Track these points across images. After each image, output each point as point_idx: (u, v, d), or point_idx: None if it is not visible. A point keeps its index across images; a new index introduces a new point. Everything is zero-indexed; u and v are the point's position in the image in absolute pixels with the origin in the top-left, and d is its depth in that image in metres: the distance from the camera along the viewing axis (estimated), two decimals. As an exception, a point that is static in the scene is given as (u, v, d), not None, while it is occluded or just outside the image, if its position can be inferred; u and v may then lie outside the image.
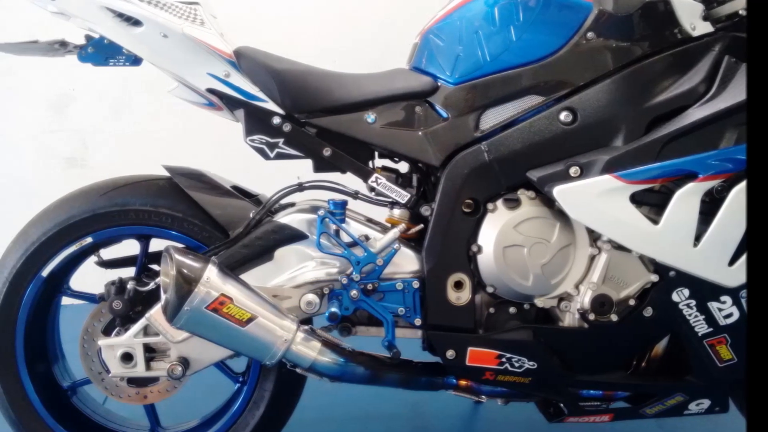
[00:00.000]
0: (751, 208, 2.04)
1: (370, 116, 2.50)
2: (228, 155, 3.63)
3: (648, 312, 2.44)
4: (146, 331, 2.52)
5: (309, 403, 2.94)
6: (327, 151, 2.52)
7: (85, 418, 2.84)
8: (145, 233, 2.67)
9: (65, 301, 2.82)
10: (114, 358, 2.53)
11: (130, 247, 2.74)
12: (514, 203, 2.43)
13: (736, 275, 2.36)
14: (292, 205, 2.64)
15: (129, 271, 2.71)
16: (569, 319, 2.49)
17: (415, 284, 2.49)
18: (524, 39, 2.41)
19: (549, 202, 2.42)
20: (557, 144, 2.39)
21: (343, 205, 2.53)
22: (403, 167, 2.68)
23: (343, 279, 2.47)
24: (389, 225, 2.58)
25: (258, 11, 5.20)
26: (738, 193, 2.29)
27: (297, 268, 2.53)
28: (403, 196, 2.54)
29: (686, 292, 2.41)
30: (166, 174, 2.66)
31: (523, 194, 2.44)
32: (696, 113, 2.31)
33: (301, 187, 2.57)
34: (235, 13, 4.75)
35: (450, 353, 2.47)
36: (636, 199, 2.34)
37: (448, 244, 2.46)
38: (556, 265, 2.43)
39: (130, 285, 2.58)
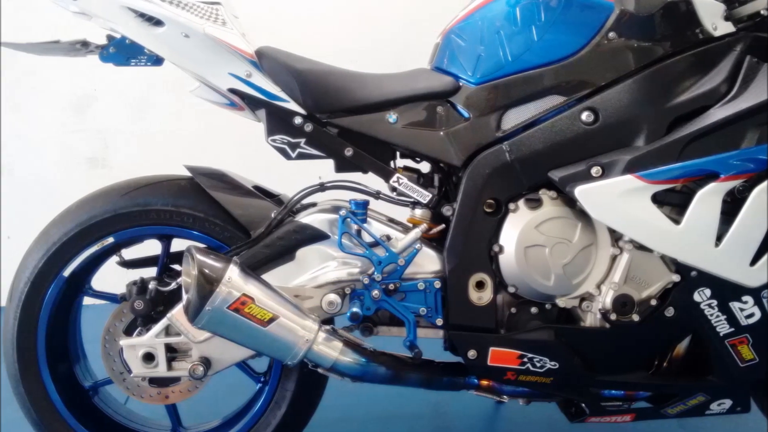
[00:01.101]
0: (773, 208, 2.09)
1: (392, 116, 2.53)
2: (250, 155, 3.66)
3: (669, 312, 2.46)
4: (168, 331, 2.55)
5: (330, 403, 2.96)
6: (348, 151, 2.55)
7: (106, 418, 2.87)
8: (167, 233, 2.70)
9: (87, 301, 2.85)
10: (135, 358, 2.56)
11: (151, 247, 2.78)
12: (535, 203, 2.45)
13: (757, 275, 2.38)
14: (313, 205, 2.67)
15: (150, 271, 2.74)
16: (591, 319, 2.51)
17: (437, 284, 2.52)
18: (546, 39, 2.43)
19: (571, 202, 2.44)
20: (579, 144, 2.41)
21: (365, 205, 2.56)
22: (424, 167, 2.70)
23: (365, 279, 2.50)
24: (411, 225, 2.61)
25: (277, 11, 5.23)
26: (760, 193, 2.31)
27: (318, 268, 2.56)
28: (425, 196, 2.57)
29: (708, 292, 2.43)
30: (188, 174, 2.69)
31: (545, 194, 2.46)
32: (717, 113, 2.33)
33: (322, 187, 2.59)
34: (254, 13, 4.77)
35: (471, 353, 2.50)
36: (657, 199, 2.36)
37: (470, 244, 2.49)
38: (577, 265, 2.46)
39: (151, 285, 2.61)
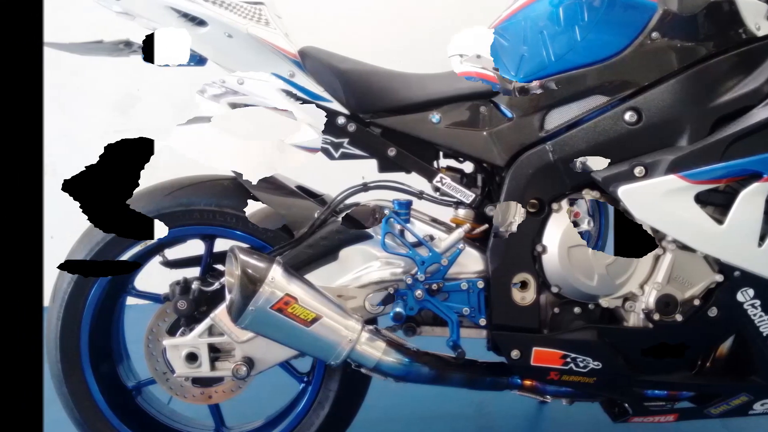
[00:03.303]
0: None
1: (435, 116, 2.60)
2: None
3: (713, 312, 2.51)
4: (211, 331, 2.62)
5: (374, 403, 3.03)
6: (392, 151, 2.63)
7: (149, 418, 2.95)
8: (210, 233, 2.77)
9: (130, 301, 2.93)
10: (179, 358, 2.64)
11: (194, 247, 2.85)
12: (578, 203, 2.51)
13: (801, 275, 2.43)
14: (356, 205, 2.72)
15: (194, 271, 2.81)
16: (634, 319, 2.56)
17: (480, 284, 2.58)
18: (589, 39, 2.47)
19: (614, 202, 2.50)
20: (622, 144, 2.46)
21: (408, 205, 2.63)
22: (467, 167, 2.76)
23: (408, 279, 2.57)
24: (454, 225, 2.67)
25: (318, 11, 5.26)
26: (803, 193, 2.36)
27: (362, 268, 2.63)
28: (468, 196, 2.64)
29: (751, 292, 2.49)
30: (231, 174, 2.75)
31: (588, 194, 2.53)
32: (761, 113, 2.37)
33: (365, 187, 2.66)
34: (294, 13, 4.83)
35: (515, 353, 2.56)
36: (700, 199, 2.40)
37: (513, 244, 2.55)
38: (620, 266, 2.53)
39: (194, 285, 2.69)
